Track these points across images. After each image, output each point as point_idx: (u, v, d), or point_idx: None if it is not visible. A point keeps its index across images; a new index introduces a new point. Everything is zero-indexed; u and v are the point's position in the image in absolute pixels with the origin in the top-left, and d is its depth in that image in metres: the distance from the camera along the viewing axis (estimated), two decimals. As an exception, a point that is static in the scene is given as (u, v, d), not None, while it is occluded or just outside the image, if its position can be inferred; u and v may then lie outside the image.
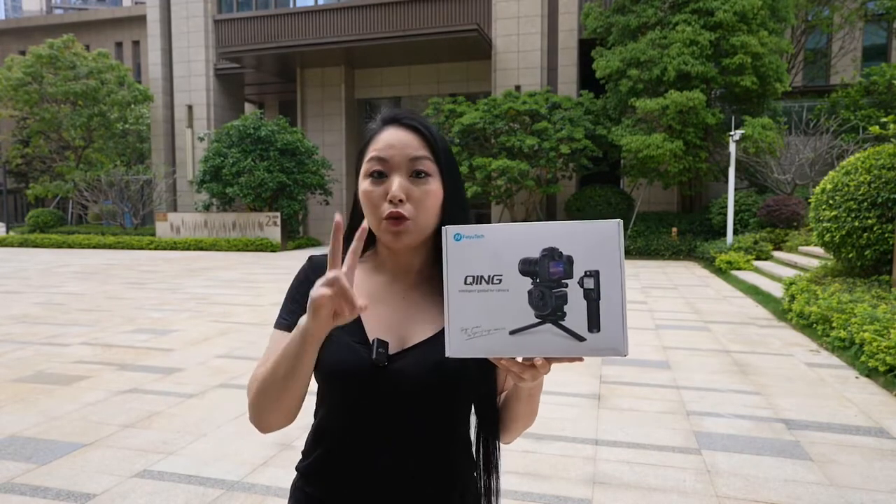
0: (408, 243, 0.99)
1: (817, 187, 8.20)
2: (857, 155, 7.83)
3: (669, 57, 13.85)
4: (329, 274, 0.81)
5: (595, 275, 0.78)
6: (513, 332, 0.79)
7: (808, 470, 3.20)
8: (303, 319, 0.85)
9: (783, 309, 7.46)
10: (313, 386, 1.03)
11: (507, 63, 18.88)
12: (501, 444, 1.09)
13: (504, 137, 15.79)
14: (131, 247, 18.98)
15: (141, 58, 28.71)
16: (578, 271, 0.78)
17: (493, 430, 1.06)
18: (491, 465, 1.08)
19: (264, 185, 17.82)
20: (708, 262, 13.15)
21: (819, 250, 10.21)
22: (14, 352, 5.83)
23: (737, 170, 14.75)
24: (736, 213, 14.48)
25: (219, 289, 10.19)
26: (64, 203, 28.04)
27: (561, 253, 0.78)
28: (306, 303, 0.85)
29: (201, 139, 20.45)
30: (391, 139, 0.99)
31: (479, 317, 0.80)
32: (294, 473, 1.10)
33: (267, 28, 21.24)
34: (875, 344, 4.84)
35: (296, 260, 15.44)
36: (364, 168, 1.00)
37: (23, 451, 3.47)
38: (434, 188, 0.98)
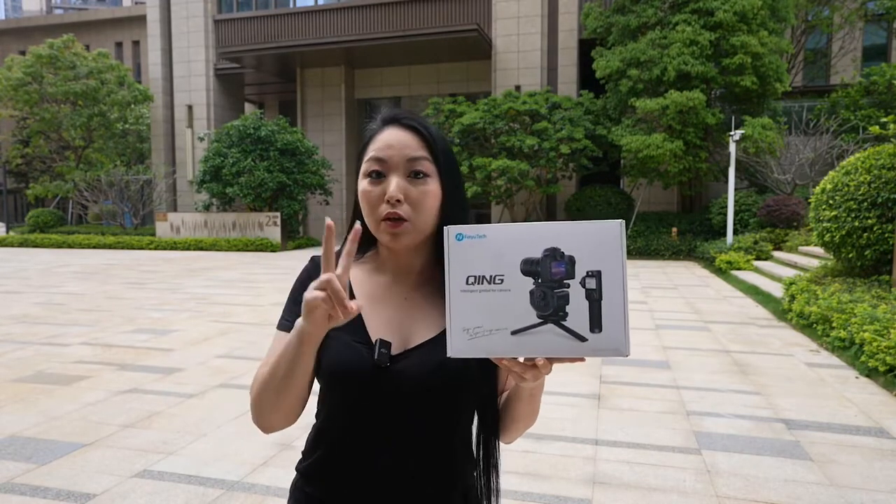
0: (406, 244, 0.99)
1: (817, 187, 8.20)
2: (857, 155, 7.83)
3: (669, 57, 13.85)
4: (323, 276, 0.81)
5: (597, 275, 0.78)
6: (514, 333, 0.79)
7: (808, 470, 3.20)
8: (299, 321, 0.86)
9: (783, 309, 7.46)
10: (315, 386, 1.03)
11: (507, 63, 18.88)
12: (502, 444, 1.09)
13: (504, 137, 15.79)
14: (131, 247, 18.98)
15: (141, 58, 28.71)
16: (580, 271, 0.78)
17: (493, 429, 1.06)
18: (491, 465, 1.08)
19: (264, 185, 17.82)
20: (708, 262, 13.15)
21: (819, 250, 10.21)
22: (14, 352, 5.83)
23: (737, 170, 14.75)
24: (736, 213, 14.48)
25: (219, 289, 10.19)
26: (64, 203, 28.05)
27: (563, 253, 0.78)
28: None
29: (201, 139, 20.45)
30: (390, 139, 0.99)
31: (480, 317, 0.80)
32: (294, 473, 1.10)
33: (267, 28, 21.24)
34: (875, 344, 4.84)
35: (296, 260, 15.45)
36: (363, 168, 1.00)
37: (23, 451, 3.47)
38: (432, 189, 0.98)
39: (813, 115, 16.70)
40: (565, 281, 0.78)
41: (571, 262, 0.78)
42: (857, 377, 4.92)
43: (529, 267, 0.79)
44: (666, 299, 8.87)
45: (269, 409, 0.97)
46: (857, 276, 7.74)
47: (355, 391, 0.98)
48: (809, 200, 8.75)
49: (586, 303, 0.78)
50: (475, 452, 1.08)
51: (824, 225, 7.76)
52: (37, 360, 5.52)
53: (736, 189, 14.62)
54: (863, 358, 4.98)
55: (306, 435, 1.09)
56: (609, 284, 0.78)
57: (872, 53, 19.19)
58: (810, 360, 5.50)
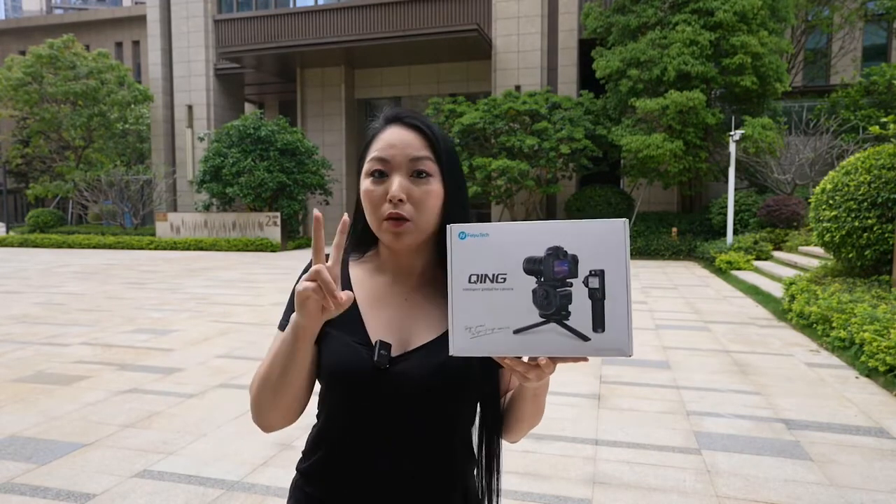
0: (408, 244, 0.98)
1: (817, 187, 8.20)
2: (857, 155, 7.83)
3: (669, 57, 13.85)
4: (313, 267, 0.83)
5: (600, 274, 0.78)
6: (517, 332, 0.79)
7: (808, 470, 3.20)
8: (294, 315, 0.87)
9: (783, 309, 7.46)
10: (316, 387, 1.03)
11: (507, 63, 18.88)
12: (506, 444, 1.09)
13: (504, 137, 15.80)
14: (131, 247, 18.98)
15: (141, 58, 28.71)
16: (583, 270, 0.78)
17: (495, 430, 1.06)
18: (492, 465, 1.07)
19: (264, 185, 17.82)
20: (708, 262, 13.15)
21: (819, 250, 10.21)
22: (14, 352, 5.83)
23: (737, 170, 14.75)
24: (736, 213, 14.48)
25: (219, 289, 10.19)
26: (64, 203, 28.04)
27: (566, 252, 0.78)
28: None
29: (201, 139, 20.45)
30: (392, 139, 0.99)
31: (483, 315, 0.80)
32: (294, 473, 1.10)
33: (267, 28, 21.24)
34: (875, 344, 4.84)
35: (296, 260, 15.45)
36: (365, 167, 1.00)
37: (23, 451, 3.46)
38: (435, 188, 0.98)
39: (813, 115, 16.70)
40: (568, 280, 0.78)
41: (574, 261, 0.78)
42: (857, 377, 4.92)
43: (532, 266, 0.79)
44: (666, 299, 8.87)
45: (267, 407, 0.96)
46: (857, 276, 7.74)
47: (355, 392, 0.98)
48: (809, 200, 8.74)
49: (589, 302, 0.78)
50: (476, 452, 1.08)
51: (824, 225, 7.76)
52: (37, 360, 5.52)
53: (736, 189, 14.62)
54: (863, 358, 4.98)
55: (306, 435, 1.09)
56: (612, 284, 0.78)
57: (872, 53, 19.19)
58: (810, 360, 5.50)
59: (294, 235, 19.67)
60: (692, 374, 5.03)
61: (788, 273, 9.94)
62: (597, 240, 0.78)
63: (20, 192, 32.54)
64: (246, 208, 19.16)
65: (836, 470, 3.20)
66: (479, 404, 1.05)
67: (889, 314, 5.34)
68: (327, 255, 0.88)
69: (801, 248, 11.66)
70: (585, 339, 0.78)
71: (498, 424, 1.05)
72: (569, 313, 0.78)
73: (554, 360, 0.81)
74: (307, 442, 1.07)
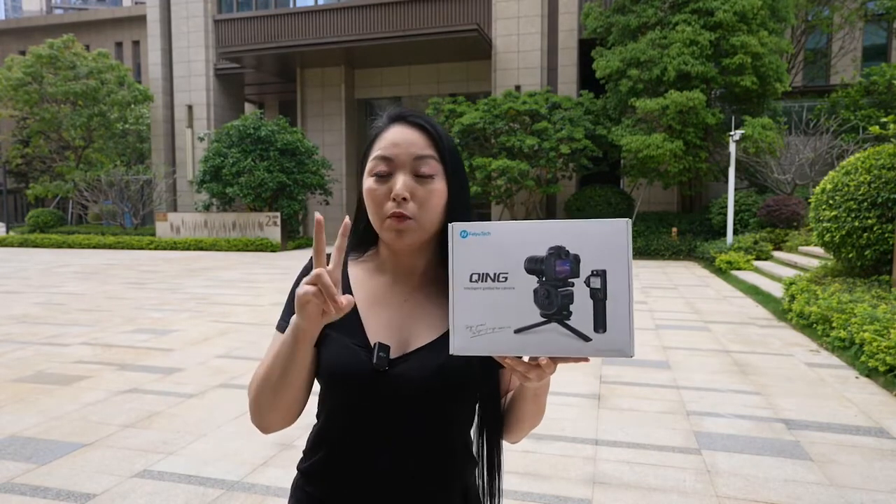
0: (411, 243, 0.98)
1: (817, 187, 8.20)
2: (857, 155, 7.83)
3: (669, 57, 13.85)
4: (314, 271, 0.82)
5: (602, 274, 0.77)
6: (518, 331, 0.79)
7: (808, 470, 3.20)
8: (294, 318, 0.87)
9: (783, 309, 7.46)
10: (316, 387, 1.03)
11: (507, 63, 18.88)
12: (506, 444, 1.09)
13: (504, 137, 15.80)
14: (131, 247, 18.98)
15: (141, 58, 28.70)
16: (585, 270, 0.78)
17: (495, 429, 1.05)
18: (493, 465, 1.07)
19: (264, 185, 17.82)
20: (708, 262, 13.15)
21: (819, 250, 10.21)
22: (14, 352, 5.83)
23: (737, 170, 14.75)
24: (736, 213, 14.48)
25: (219, 289, 10.19)
26: (64, 203, 28.04)
27: (568, 252, 0.78)
28: None
29: (201, 139, 20.45)
30: (396, 138, 0.98)
31: (484, 314, 0.80)
32: (294, 472, 1.10)
33: (267, 28, 21.24)
34: (875, 344, 4.84)
35: (296, 260, 15.45)
36: (368, 166, 0.99)
37: (23, 451, 3.46)
38: (439, 188, 0.97)
39: (813, 115, 16.70)
40: (570, 280, 0.78)
41: (576, 260, 0.78)
42: (857, 377, 4.92)
43: (534, 265, 0.79)
44: (666, 299, 8.87)
45: (266, 408, 0.96)
46: (857, 276, 7.74)
47: (354, 394, 0.98)
48: (809, 200, 8.74)
49: (590, 302, 0.77)
50: (477, 452, 1.08)
51: (824, 225, 7.76)
52: (37, 360, 5.51)
53: (736, 189, 14.62)
54: (863, 358, 4.97)
55: (306, 435, 1.09)
56: (614, 284, 0.77)
57: (872, 53, 19.19)
58: (810, 360, 5.50)
59: (294, 235, 19.67)
60: (692, 374, 5.03)
61: (788, 273, 9.94)
62: (599, 240, 0.78)
63: (20, 192, 32.53)
64: (246, 208, 19.16)
65: (836, 470, 3.20)
66: (479, 405, 1.05)
67: (889, 314, 5.34)
68: (329, 255, 0.88)
69: (801, 248, 11.66)
70: (586, 339, 0.77)
71: (498, 425, 1.05)
72: (570, 313, 0.78)
73: (555, 361, 0.80)
74: (308, 441, 1.07)
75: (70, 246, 19.66)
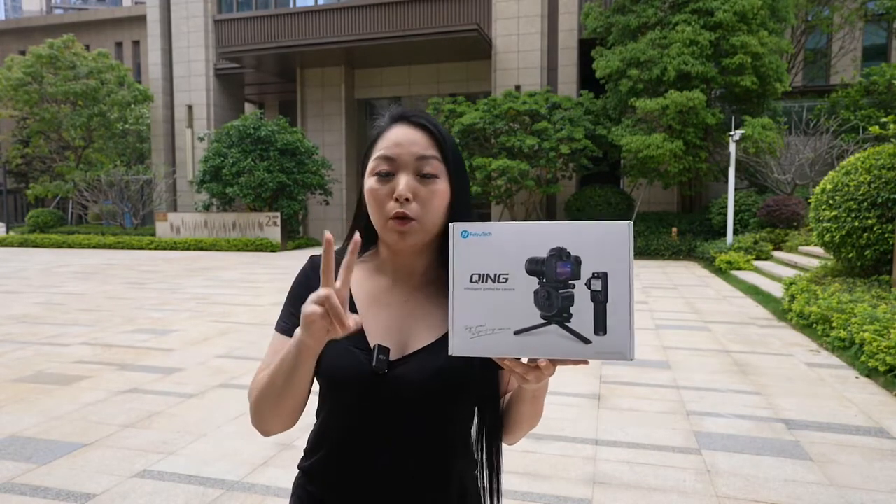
0: (413, 244, 0.98)
1: (817, 187, 8.20)
2: (857, 155, 7.83)
3: (669, 57, 13.85)
4: (321, 291, 0.80)
5: (603, 276, 0.77)
6: (517, 333, 0.79)
7: (808, 470, 3.20)
8: (298, 331, 0.85)
9: (783, 309, 7.46)
10: (315, 386, 1.03)
11: (507, 63, 18.88)
12: (504, 445, 1.09)
13: (504, 137, 15.80)
14: (131, 247, 18.98)
15: (141, 58, 28.70)
16: (586, 272, 0.77)
17: (495, 430, 1.05)
18: (493, 466, 1.07)
19: (264, 185, 17.82)
20: (708, 262, 13.15)
21: (819, 250, 10.21)
22: (14, 352, 5.83)
23: (737, 170, 14.75)
24: (736, 213, 14.48)
25: (219, 289, 10.19)
26: (64, 203, 28.04)
27: (569, 253, 0.77)
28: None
29: (201, 139, 20.45)
30: (399, 137, 0.98)
31: (483, 315, 0.79)
32: (295, 472, 1.10)
33: (267, 28, 21.24)
34: (875, 344, 4.84)
35: (296, 260, 15.45)
36: (370, 166, 0.99)
37: (23, 451, 3.46)
38: (441, 188, 0.97)
39: (813, 115, 16.70)
40: (570, 282, 0.77)
41: (577, 262, 0.77)
42: (857, 377, 4.92)
43: (534, 266, 0.78)
44: (666, 299, 8.87)
45: (268, 414, 0.96)
46: (857, 276, 7.74)
47: (354, 396, 0.98)
48: (809, 200, 8.74)
49: (591, 304, 0.77)
50: (476, 453, 1.08)
51: (824, 225, 7.76)
52: (37, 360, 5.51)
53: (736, 189, 14.62)
54: (863, 358, 4.98)
55: (306, 435, 1.09)
56: (615, 286, 0.77)
57: (872, 53, 19.19)
58: (810, 360, 5.50)
59: (294, 235, 19.67)
60: (692, 374, 5.03)
61: (788, 273, 9.94)
62: (600, 242, 0.77)
63: (20, 192, 32.53)
64: (246, 208, 19.16)
65: (836, 470, 3.20)
66: (478, 406, 1.05)
67: (889, 314, 5.34)
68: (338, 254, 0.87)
69: (801, 248, 11.66)
70: (586, 341, 0.77)
71: (498, 425, 1.05)
72: (570, 315, 0.77)
73: (554, 363, 0.80)
74: (308, 441, 1.08)
75: (70, 246, 19.66)
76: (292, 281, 1.08)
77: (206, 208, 19.35)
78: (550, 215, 18.65)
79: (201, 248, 18.47)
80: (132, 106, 24.09)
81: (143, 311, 7.97)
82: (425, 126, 0.99)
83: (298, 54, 19.86)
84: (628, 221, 0.77)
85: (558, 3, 18.67)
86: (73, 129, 23.05)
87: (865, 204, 7.25)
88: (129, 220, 22.22)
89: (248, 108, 25.91)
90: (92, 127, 23.36)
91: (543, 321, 0.78)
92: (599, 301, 0.77)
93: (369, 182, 0.98)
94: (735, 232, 14.16)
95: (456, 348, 0.80)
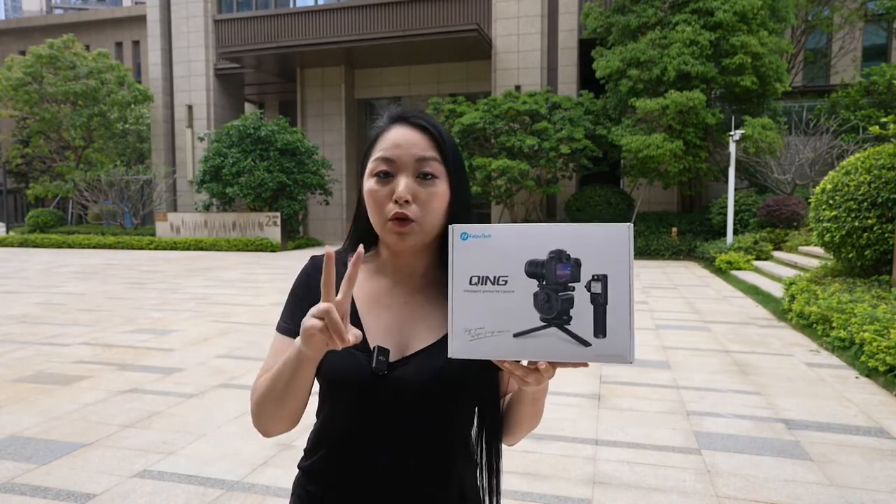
0: (412, 245, 0.98)
1: (817, 187, 8.20)
2: (857, 155, 7.83)
3: (669, 57, 13.85)
4: (322, 305, 0.80)
5: (603, 279, 0.77)
6: (517, 335, 0.79)
7: (808, 470, 3.20)
8: (298, 340, 0.85)
9: (783, 309, 7.46)
10: (316, 385, 1.03)
11: (507, 63, 18.88)
12: (504, 445, 1.09)
13: (504, 137, 15.80)
14: (131, 247, 18.98)
15: (141, 58, 28.70)
16: (586, 275, 0.77)
17: (495, 431, 1.06)
18: (492, 466, 1.07)
19: (264, 185, 17.82)
20: (708, 262, 13.15)
21: (819, 250, 10.21)
22: (14, 352, 5.83)
23: (737, 170, 14.75)
24: (736, 213, 14.48)
25: (219, 289, 10.19)
26: (64, 203, 28.04)
27: (569, 256, 0.77)
28: (306, 305, 0.85)
29: (201, 139, 20.45)
30: (398, 138, 0.97)
31: (483, 318, 0.79)
32: (295, 472, 1.10)
33: (267, 28, 21.24)
34: (875, 344, 4.84)
35: (296, 260, 15.44)
36: (370, 167, 0.99)
37: (23, 451, 3.46)
38: (441, 190, 0.97)
39: (813, 115, 16.70)
40: (570, 284, 0.77)
41: (577, 265, 0.77)
42: (857, 377, 4.92)
43: (534, 269, 0.78)
44: (666, 299, 8.87)
45: (269, 416, 0.97)
46: (857, 276, 7.74)
47: (354, 397, 0.98)
48: (809, 200, 8.74)
49: (591, 307, 0.77)
50: (476, 453, 1.08)
51: (824, 225, 7.77)
52: (37, 360, 5.52)
53: (736, 189, 14.62)
54: (863, 358, 4.98)
55: (306, 435, 1.09)
56: (615, 289, 0.77)
57: (872, 53, 19.18)
58: (810, 360, 5.50)
59: (294, 235, 19.67)
60: (692, 374, 5.03)
61: (788, 273, 9.94)
62: (600, 244, 0.77)
63: (20, 192, 32.52)
64: (246, 208, 19.16)
65: (836, 470, 3.20)
66: (478, 407, 1.05)
67: (889, 314, 5.34)
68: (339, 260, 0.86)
69: (801, 248, 11.66)
70: (586, 344, 0.77)
71: (497, 426, 1.05)
72: (570, 318, 0.77)
73: (553, 365, 0.80)
74: (308, 440, 1.08)
75: (70, 246, 19.66)
76: (293, 281, 1.08)
77: (206, 208, 19.35)
78: (550, 215, 18.65)
79: (201, 248, 18.47)
80: (132, 106, 24.09)
81: (143, 311, 7.97)
82: (425, 127, 0.99)
83: (298, 54, 19.86)
84: (629, 224, 0.77)
85: (558, 3, 18.67)
86: (73, 129, 23.04)
87: (865, 204, 7.25)
88: (129, 220, 22.22)
89: (248, 108, 25.90)
90: (92, 127, 23.36)
91: (543, 324, 0.78)
92: (599, 303, 0.77)
93: (369, 183, 0.98)
94: (735, 232, 14.16)
95: (455, 351, 0.80)
